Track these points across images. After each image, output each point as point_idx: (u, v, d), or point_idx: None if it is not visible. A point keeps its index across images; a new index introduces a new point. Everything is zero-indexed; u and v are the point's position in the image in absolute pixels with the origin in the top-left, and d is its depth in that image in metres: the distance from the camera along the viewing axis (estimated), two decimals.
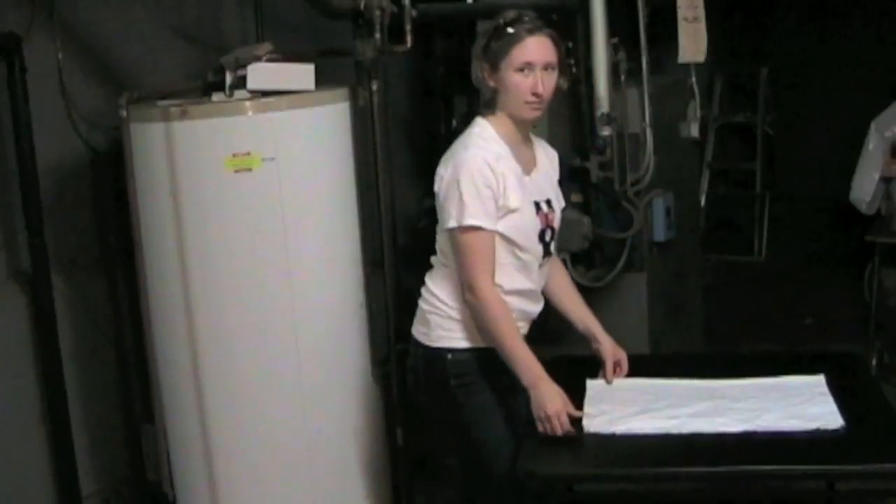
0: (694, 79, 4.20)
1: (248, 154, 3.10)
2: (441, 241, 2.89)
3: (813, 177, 6.92)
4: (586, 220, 4.24)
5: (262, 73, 3.20)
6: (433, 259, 2.94)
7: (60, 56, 3.46)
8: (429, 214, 4.94)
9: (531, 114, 2.82)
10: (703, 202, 6.64)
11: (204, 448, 3.28)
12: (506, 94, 2.78)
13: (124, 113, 3.21)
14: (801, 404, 3.03)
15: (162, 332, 3.31)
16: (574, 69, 4.19)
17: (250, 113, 3.15)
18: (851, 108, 6.39)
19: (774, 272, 6.92)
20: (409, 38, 3.45)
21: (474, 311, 2.76)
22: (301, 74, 3.26)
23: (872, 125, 5.68)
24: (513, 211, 2.76)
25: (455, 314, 2.84)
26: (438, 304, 2.87)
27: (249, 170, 3.11)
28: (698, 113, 4.31)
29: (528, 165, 2.88)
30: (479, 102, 2.85)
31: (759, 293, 6.69)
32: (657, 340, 4.51)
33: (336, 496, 3.41)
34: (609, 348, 3.09)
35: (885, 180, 5.58)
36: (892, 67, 6.20)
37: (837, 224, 6.24)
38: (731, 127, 7.25)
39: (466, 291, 2.75)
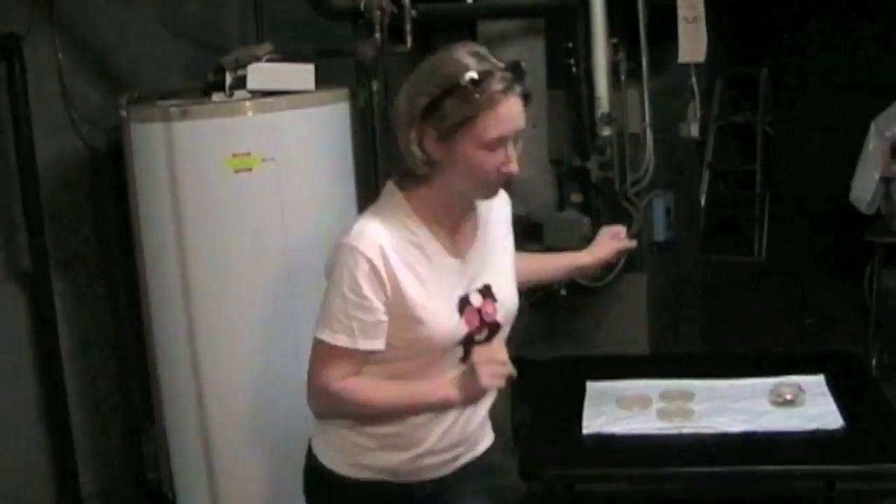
0: (694, 79, 4.20)
1: (248, 154, 3.10)
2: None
3: (813, 177, 6.92)
4: (586, 220, 4.24)
5: (262, 73, 3.19)
6: None
7: (60, 56, 3.46)
8: None
9: (492, 197, 2.19)
10: (703, 202, 6.63)
11: (204, 448, 3.28)
12: (458, 172, 2.09)
13: (124, 113, 3.20)
14: (801, 404, 3.03)
15: (162, 332, 3.30)
16: (574, 69, 4.20)
17: (250, 113, 3.14)
18: (851, 108, 6.40)
19: (774, 272, 6.92)
20: (409, 38, 3.45)
21: (330, 415, 2.33)
22: (301, 74, 3.25)
23: (872, 125, 5.67)
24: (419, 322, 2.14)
25: None
26: None
27: (249, 170, 3.10)
28: (698, 113, 4.30)
29: (462, 245, 2.22)
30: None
31: (759, 293, 6.69)
32: (657, 340, 4.51)
33: None
34: (599, 247, 2.61)
35: (885, 180, 5.58)
36: (892, 67, 6.20)
37: (837, 224, 6.24)
38: (731, 127, 7.24)
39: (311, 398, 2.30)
